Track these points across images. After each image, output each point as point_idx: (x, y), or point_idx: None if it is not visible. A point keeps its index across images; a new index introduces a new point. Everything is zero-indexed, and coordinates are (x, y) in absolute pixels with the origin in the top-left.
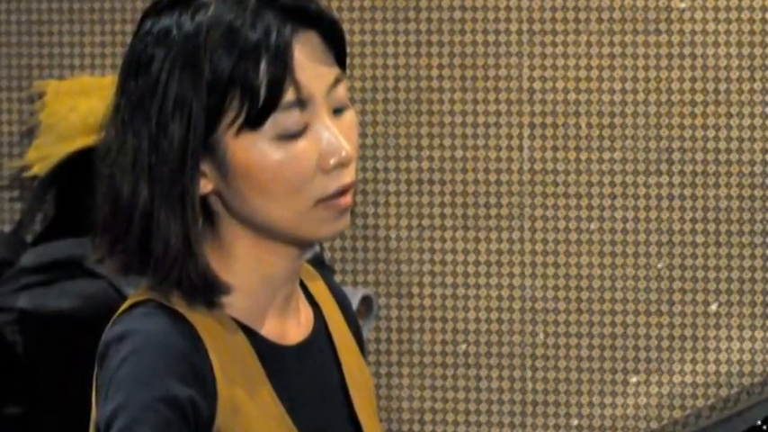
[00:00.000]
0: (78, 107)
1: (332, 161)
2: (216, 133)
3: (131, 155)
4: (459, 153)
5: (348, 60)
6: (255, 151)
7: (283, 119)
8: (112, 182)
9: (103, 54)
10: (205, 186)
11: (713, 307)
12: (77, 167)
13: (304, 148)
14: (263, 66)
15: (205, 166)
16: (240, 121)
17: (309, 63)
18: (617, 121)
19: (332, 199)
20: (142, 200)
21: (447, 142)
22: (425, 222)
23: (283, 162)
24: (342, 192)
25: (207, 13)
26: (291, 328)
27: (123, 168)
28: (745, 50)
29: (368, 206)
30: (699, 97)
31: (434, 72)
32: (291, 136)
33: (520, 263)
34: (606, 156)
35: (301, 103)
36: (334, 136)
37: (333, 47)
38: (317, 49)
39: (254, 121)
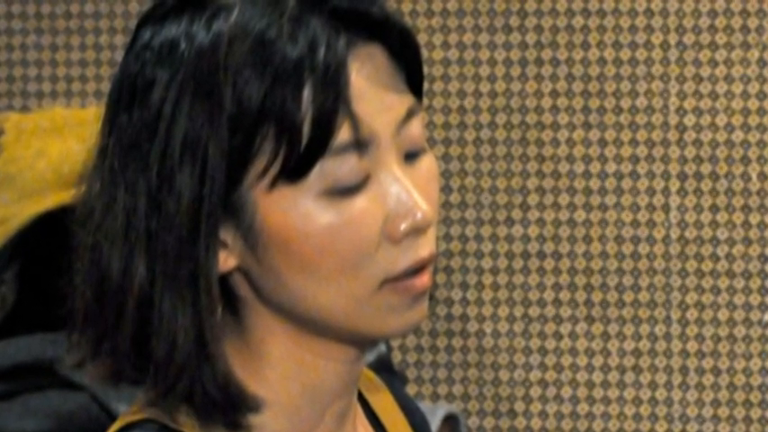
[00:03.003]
0: (49, 151)
1: (403, 226)
2: (241, 187)
3: (123, 218)
4: (580, 215)
5: (426, 85)
6: (297, 212)
7: (335, 167)
8: (97, 255)
9: (84, 76)
10: (226, 262)
11: None
12: (47, 235)
13: (364, 209)
14: (306, 93)
15: (226, 234)
16: (275, 170)
17: (372, 89)
18: None
19: (403, 279)
20: (138, 281)
21: (563, 200)
22: (533, 312)
23: (336, 227)
24: (417, 269)
25: (228, 19)
26: None
27: (112, 236)
28: None
29: (453, 289)
30: None
31: (546, 102)
32: (347, 191)
33: (665, 368)
34: None
35: (360, 144)
36: (406, 191)
37: (404, 67)
38: (381, 69)
39: (295, 171)
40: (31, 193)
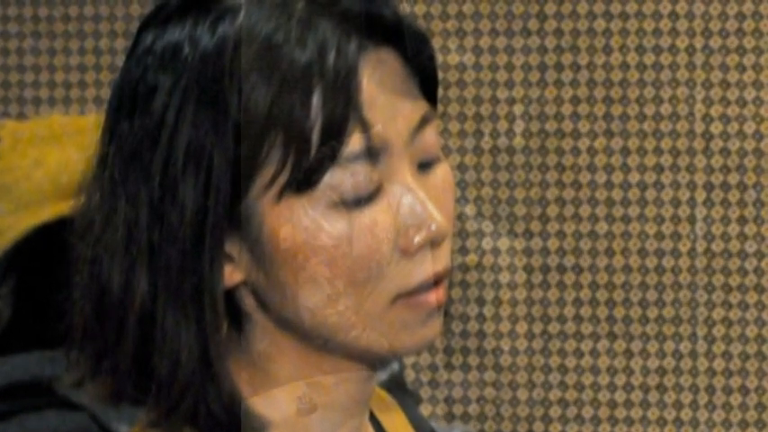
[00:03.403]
0: (46, 160)
1: (416, 239)
2: (247, 198)
3: (124, 230)
4: (602, 227)
5: (440, 92)
6: (305, 224)
7: (346, 177)
8: (96, 269)
9: (83, 82)
10: (231, 276)
11: None
12: (45, 247)
13: (376, 220)
14: (315, 99)
15: (231, 247)
16: (283, 180)
17: (384, 96)
18: None
19: (417, 294)
20: (140, 296)
21: (585, 211)
22: (553, 328)
23: (346, 240)
24: (431, 284)
25: (234, 22)
26: None
27: (112, 249)
28: None
29: (469, 305)
30: None
31: (566, 109)
32: (358, 202)
33: (691, 387)
34: None
35: (372, 153)
36: (420, 202)
37: (418, 72)
38: (394, 75)
39: (304, 181)
40: (28, 204)
